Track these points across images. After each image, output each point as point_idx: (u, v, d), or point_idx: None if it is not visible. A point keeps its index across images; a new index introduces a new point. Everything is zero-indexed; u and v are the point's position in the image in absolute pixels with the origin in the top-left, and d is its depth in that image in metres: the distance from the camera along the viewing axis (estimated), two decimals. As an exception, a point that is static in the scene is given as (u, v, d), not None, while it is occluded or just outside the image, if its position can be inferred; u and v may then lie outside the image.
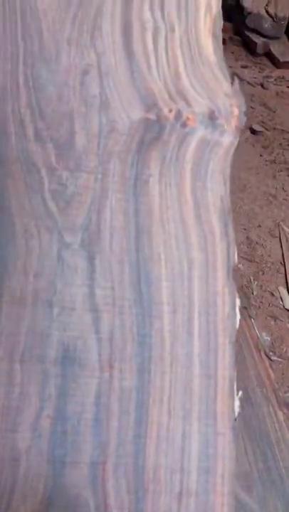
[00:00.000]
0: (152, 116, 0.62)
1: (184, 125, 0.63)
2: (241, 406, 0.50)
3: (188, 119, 0.63)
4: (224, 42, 3.02)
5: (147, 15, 0.67)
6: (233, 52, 3.12)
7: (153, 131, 0.62)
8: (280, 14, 3.12)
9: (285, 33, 3.19)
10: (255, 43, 3.12)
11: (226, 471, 0.51)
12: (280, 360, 1.43)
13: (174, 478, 0.51)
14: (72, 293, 0.54)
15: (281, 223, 1.94)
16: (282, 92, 2.83)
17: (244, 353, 0.96)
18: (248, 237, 1.87)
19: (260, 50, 3.12)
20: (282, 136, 2.47)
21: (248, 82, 2.86)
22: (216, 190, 0.62)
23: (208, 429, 0.52)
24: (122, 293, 0.55)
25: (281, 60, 3.04)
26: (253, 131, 2.47)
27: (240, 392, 0.56)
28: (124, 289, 0.55)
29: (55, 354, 0.52)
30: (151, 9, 0.67)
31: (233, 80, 0.68)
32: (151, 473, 0.50)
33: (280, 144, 2.41)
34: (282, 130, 2.50)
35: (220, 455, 0.52)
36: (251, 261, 1.77)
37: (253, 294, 1.65)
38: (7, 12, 0.63)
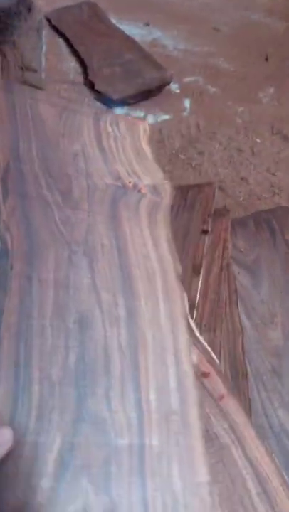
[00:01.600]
0: (119, 184, 0.96)
1: (139, 191, 0.97)
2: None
3: (141, 188, 0.98)
4: None
5: (110, 129, 1.04)
6: None
7: (120, 192, 0.94)
8: None
9: None
10: None
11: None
12: None
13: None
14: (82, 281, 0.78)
15: None
16: None
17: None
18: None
19: None
20: None
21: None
22: (163, 230, 0.94)
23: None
24: (113, 286, 0.80)
25: None
26: None
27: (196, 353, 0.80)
28: (115, 285, 0.80)
29: (73, 318, 0.73)
30: (112, 153, 1.04)
31: (164, 171, 1.06)
32: (145, 395, 0.70)
33: None
34: None
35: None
36: None
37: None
38: (23, 117, 0.96)
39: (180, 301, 0.85)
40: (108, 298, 0.78)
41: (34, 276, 0.75)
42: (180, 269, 0.90)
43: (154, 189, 0.99)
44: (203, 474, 0.68)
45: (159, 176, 1.03)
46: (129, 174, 0.99)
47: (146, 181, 0.99)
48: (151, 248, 0.89)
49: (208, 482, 0.68)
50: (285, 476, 0.69)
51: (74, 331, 0.72)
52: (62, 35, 2.18)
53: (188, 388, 0.74)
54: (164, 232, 0.94)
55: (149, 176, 1.01)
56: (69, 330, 0.72)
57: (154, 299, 0.82)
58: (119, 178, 0.97)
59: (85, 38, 2.11)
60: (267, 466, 0.69)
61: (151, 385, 0.72)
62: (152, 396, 0.71)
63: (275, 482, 0.68)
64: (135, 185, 0.97)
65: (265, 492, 0.67)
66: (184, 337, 0.80)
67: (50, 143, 0.94)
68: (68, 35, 2.14)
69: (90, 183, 0.92)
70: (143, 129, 1.10)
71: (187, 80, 2.10)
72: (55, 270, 0.77)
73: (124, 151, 1.03)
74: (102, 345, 0.73)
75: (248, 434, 0.72)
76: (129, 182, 0.97)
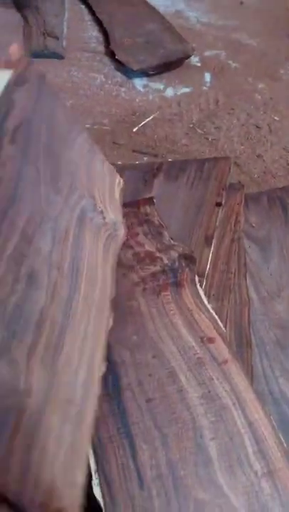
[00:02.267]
0: (91, 202, 1.02)
1: (104, 218, 1.04)
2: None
3: (104, 217, 1.05)
4: None
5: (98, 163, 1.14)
6: None
7: (90, 209, 1.00)
8: None
9: None
10: None
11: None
12: None
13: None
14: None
15: None
16: None
17: None
18: None
19: None
20: None
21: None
22: (111, 258, 0.99)
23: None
24: (64, 268, 0.81)
25: None
26: None
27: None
28: (65, 269, 0.82)
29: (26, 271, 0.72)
30: (95, 177, 1.14)
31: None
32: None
33: None
34: None
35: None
36: None
37: None
38: (44, 106, 1.02)
39: (106, 319, 0.87)
40: (57, 275, 0.78)
41: (8, 216, 0.74)
42: (114, 294, 0.94)
43: (114, 225, 1.07)
44: (79, 476, 0.64)
45: (119, 218, 1.12)
46: (100, 201, 1.06)
47: (111, 216, 1.07)
48: (101, 261, 0.94)
49: (83, 485, 0.63)
50: (281, 438, 0.72)
51: (22, 281, 0.70)
52: (84, 1, 2.12)
53: (92, 385, 0.73)
54: (111, 260, 0.99)
55: (114, 215, 1.10)
56: (19, 277, 0.70)
57: (90, 301, 0.84)
58: (93, 198, 1.04)
59: (107, 6, 2.06)
60: (264, 427, 0.71)
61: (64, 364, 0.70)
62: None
63: (271, 442, 0.70)
64: (102, 212, 1.04)
65: (261, 451, 0.69)
66: (100, 349, 0.81)
67: (58, 137, 1.00)
68: (90, 1, 2.08)
69: (72, 184, 0.97)
70: (118, 180, 1.22)
71: (208, 53, 2.04)
72: (26, 223, 0.77)
73: (102, 184, 1.12)
74: (41, 307, 0.71)
75: (249, 397, 0.74)
76: (99, 207, 1.04)
